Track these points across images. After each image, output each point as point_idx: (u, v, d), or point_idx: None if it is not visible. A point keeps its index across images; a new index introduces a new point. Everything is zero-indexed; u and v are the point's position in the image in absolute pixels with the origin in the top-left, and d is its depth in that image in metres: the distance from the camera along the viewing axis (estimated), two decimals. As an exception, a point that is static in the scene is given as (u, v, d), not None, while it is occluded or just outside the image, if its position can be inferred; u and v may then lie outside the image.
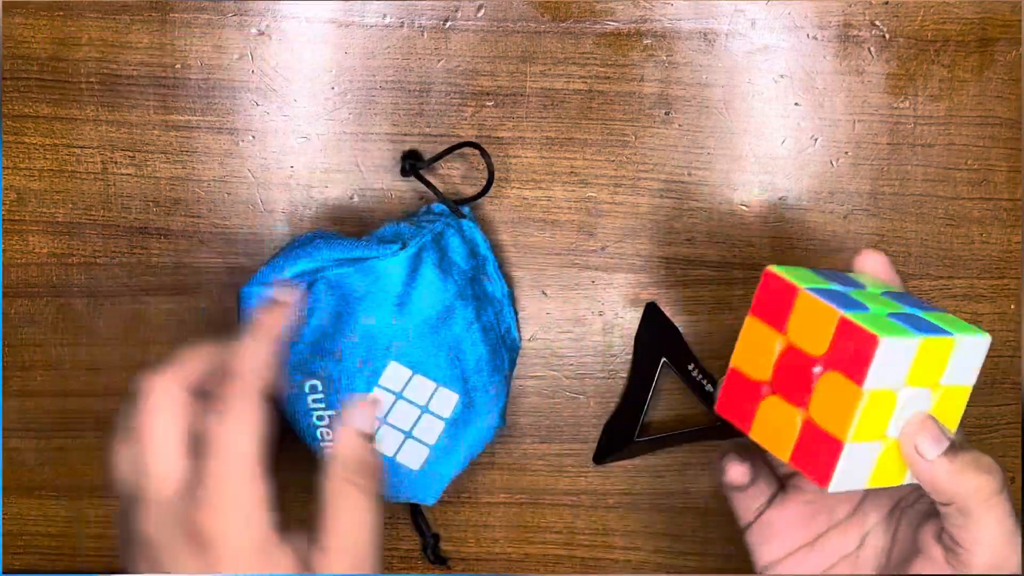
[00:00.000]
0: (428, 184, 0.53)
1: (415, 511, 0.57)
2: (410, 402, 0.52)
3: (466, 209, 0.53)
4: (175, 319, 0.56)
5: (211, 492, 0.39)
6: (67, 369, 0.57)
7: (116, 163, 0.55)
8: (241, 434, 0.40)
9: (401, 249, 0.50)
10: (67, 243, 0.56)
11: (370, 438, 0.43)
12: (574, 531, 0.58)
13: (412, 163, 0.54)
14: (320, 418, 0.52)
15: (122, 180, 0.55)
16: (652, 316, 0.55)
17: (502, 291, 0.54)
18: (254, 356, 0.42)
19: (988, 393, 0.57)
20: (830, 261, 0.56)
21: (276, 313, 0.44)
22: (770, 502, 0.46)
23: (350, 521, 0.41)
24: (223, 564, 0.39)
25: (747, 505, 0.47)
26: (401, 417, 0.52)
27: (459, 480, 0.57)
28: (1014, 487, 0.58)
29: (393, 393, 0.51)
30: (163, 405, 0.41)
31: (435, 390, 0.51)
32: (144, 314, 0.56)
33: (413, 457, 0.52)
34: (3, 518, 0.58)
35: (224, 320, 0.56)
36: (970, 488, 0.40)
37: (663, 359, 0.55)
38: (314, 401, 0.51)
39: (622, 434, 0.56)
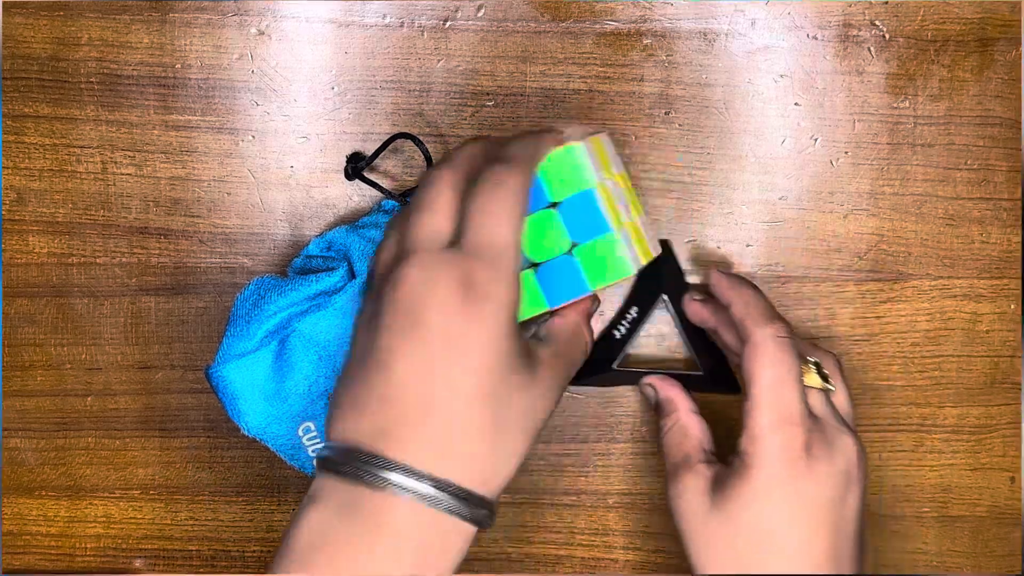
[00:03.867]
0: (373, 184, 0.53)
1: None
2: None
3: None
4: (175, 319, 0.56)
5: (481, 248, 0.41)
6: (67, 369, 0.57)
7: (116, 163, 0.55)
8: (511, 206, 0.41)
9: (352, 279, 0.50)
10: (67, 243, 0.56)
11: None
12: (574, 531, 0.58)
13: (354, 165, 0.54)
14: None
15: (122, 180, 0.55)
16: (665, 253, 0.55)
17: None
18: (523, 148, 0.43)
19: (988, 393, 0.57)
20: (830, 261, 0.56)
21: (544, 136, 0.45)
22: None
23: (572, 346, 0.46)
24: (482, 318, 0.40)
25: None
26: None
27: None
28: (1014, 487, 0.58)
29: None
30: (446, 184, 0.43)
31: None
32: (144, 314, 0.56)
33: None
34: (3, 518, 0.58)
35: (223, 319, 0.56)
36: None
37: (663, 296, 0.55)
38: (309, 439, 0.51)
39: (602, 359, 0.56)
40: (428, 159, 0.52)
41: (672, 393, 0.53)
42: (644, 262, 0.47)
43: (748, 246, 0.56)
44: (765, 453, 0.46)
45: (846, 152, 0.55)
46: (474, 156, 0.44)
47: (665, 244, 0.55)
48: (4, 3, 0.54)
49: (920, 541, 0.58)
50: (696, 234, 0.56)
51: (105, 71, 0.54)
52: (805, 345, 0.52)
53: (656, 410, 0.54)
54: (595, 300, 0.49)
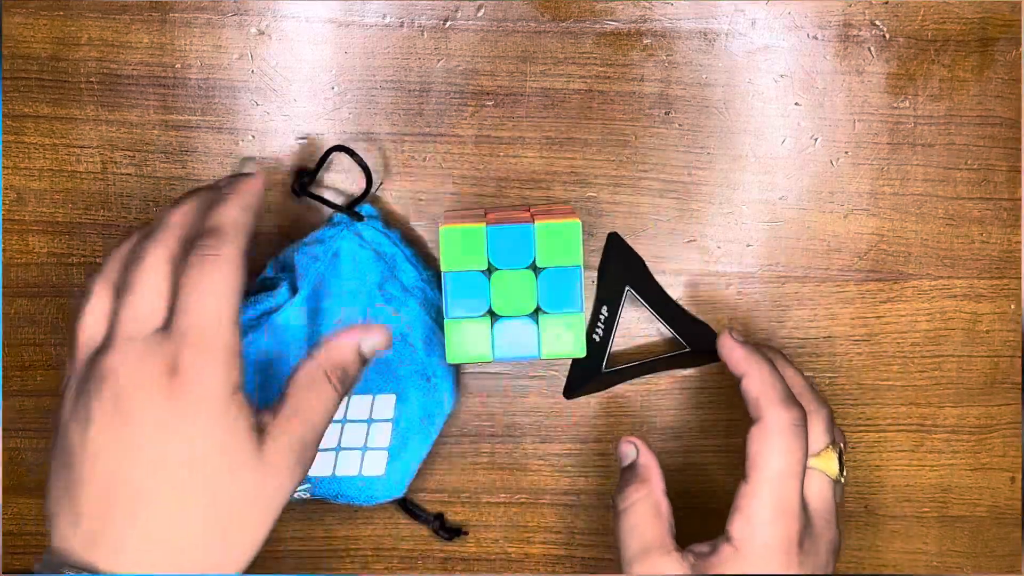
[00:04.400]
0: (319, 198, 0.53)
1: (405, 505, 0.57)
2: (354, 421, 0.53)
3: (369, 209, 0.53)
4: (175, 319, 0.56)
5: (190, 331, 0.39)
6: (67, 369, 0.57)
7: (116, 163, 0.55)
8: (222, 281, 0.40)
9: (294, 295, 0.51)
10: (67, 243, 0.56)
11: (364, 361, 0.45)
12: (574, 531, 0.58)
13: (302, 181, 0.53)
14: None
15: (122, 180, 0.55)
16: (615, 246, 0.55)
17: (419, 278, 0.53)
18: (235, 212, 0.42)
19: (988, 393, 0.57)
20: (830, 261, 0.56)
21: (251, 182, 0.44)
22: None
23: (311, 402, 0.42)
24: (191, 403, 0.39)
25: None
26: (352, 438, 0.53)
27: (459, 480, 0.57)
28: (1014, 487, 0.58)
29: (338, 422, 0.53)
30: (152, 264, 0.41)
31: (372, 400, 0.53)
32: (144, 314, 0.56)
33: (375, 465, 0.54)
34: (3, 518, 0.58)
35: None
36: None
37: (627, 288, 0.55)
38: None
39: (589, 367, 0.56)
40: (367, 173, 0.52)
41: (651, 461, 0.50)
42: (584, 353, 0.50)
43: (748, 246, 0.56)
44: (760, 544, 0.45)
45: (846, 152, 0.55)
46: (183, 224, 0.42)
47: (614, 236, 0.55)
48: (4, 3, 0.54)
49: (920, 541, 0.58)
50: (696, 234, 0.56)
51: (105, 71, 0.54)
52: (827, 419, 0.49)
53: (625, 474, 0.50)
54: (359, 362, 0.45)
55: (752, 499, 0.45)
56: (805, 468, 0.46)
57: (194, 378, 0.39)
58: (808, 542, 0.46)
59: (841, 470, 0.48)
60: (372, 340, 0.45)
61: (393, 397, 0.53)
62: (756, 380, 0.47)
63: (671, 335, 0.56)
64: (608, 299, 0.56)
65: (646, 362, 0.56)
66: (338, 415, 0.51)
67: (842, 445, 0.49)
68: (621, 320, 0.56)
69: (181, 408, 0.39)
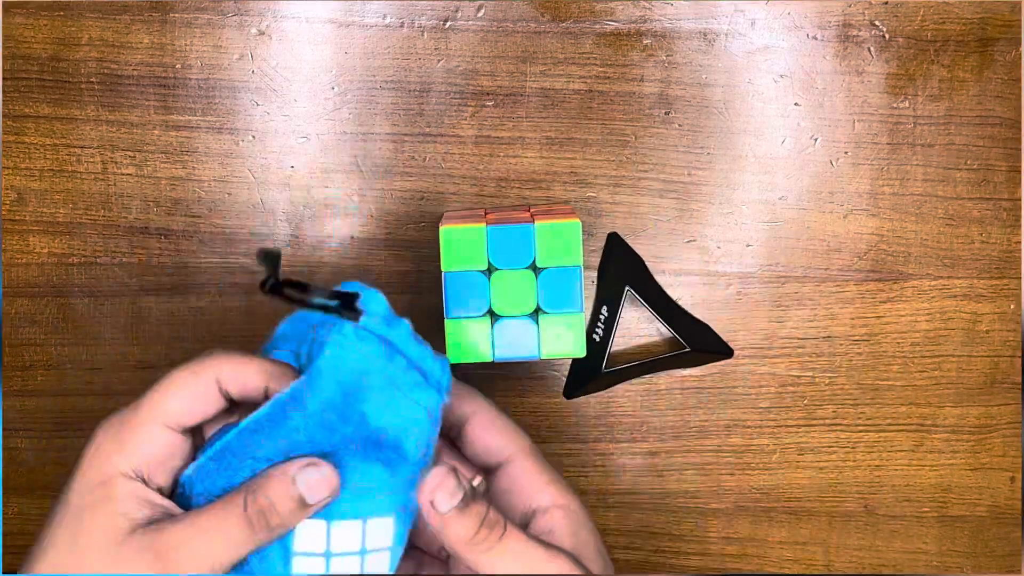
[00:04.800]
0: (293, 299, 0.40)
1: None
2: (343, 555, 0.42)
3: (373, 296, 0.42)
4: (175, 319, 0.56)
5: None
6: (67, 369, 0.57)
7: (116, 163, 0.55)
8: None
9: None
10: (67, 243, 0.56)
11: (303, 505, 0.40)
12: (574, 531, 0.58)
13: (272, 283, 0.40)
14: None
15: (122, 180, 0.55)
16: (615, 246, 0.55)
17: (434, 383, 0.43)
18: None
19: (988, 393, 0.57)
20: (830, 261, 0.56)
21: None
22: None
23: (209, 536, 0.39)
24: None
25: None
26: (345, 567, 0.42)
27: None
28: (1014, 487, 0.58)
29: (320, 555, 0.42)
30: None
31: (363, 526, 0.42)
32: (144, 314, 0.56)
33: None
34: (3, 518, 0.58)
35: (223, 319, 0.56)
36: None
37: (627, 288, 0.55)
38: None
39: (589, 367, 0.56)
40: (274, 279, 0.40)
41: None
42: (583, 353, 0.49)
43: (748, 246, 0.56)
44: None
45: (846, 152, 0.55)
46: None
47: (614, 236, 0.55)
48: (4, 3, 0.54)
49: (920, 541, 0.58)
50: (696, 234, 0.56)
51: (105, 71, 0.54)
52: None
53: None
54: (293, 507, 0.40)
55: None
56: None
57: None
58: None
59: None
60: (311, 481, 0.39)
61: (390, 520, 0.42)
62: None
63: (671, 335, 0.56)
64: (608, 299, 0.56)
65: (646, 362, 0.56)
66: (319, 548, 0.42)
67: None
68: (621, 320, 0.56)
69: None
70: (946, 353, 0.57)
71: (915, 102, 0.55)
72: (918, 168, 0.56)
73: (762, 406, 0.57)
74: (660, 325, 0.56)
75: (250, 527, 0.39)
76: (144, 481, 0.41)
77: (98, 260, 0.56)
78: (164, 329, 0.56)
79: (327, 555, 0.42)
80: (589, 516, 0.45)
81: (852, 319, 0.56)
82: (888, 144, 0.55)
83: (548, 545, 0.41)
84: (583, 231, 0.50)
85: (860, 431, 0.57)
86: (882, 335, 0.57)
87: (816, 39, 0.54)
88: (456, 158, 0.55)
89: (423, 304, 0.56)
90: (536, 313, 0.49)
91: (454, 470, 0.40)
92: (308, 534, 0.41)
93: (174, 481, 0.42)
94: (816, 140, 0.55)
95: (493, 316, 0.49)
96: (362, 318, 0.41)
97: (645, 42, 0.54)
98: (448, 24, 0.54)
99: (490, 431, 0.45)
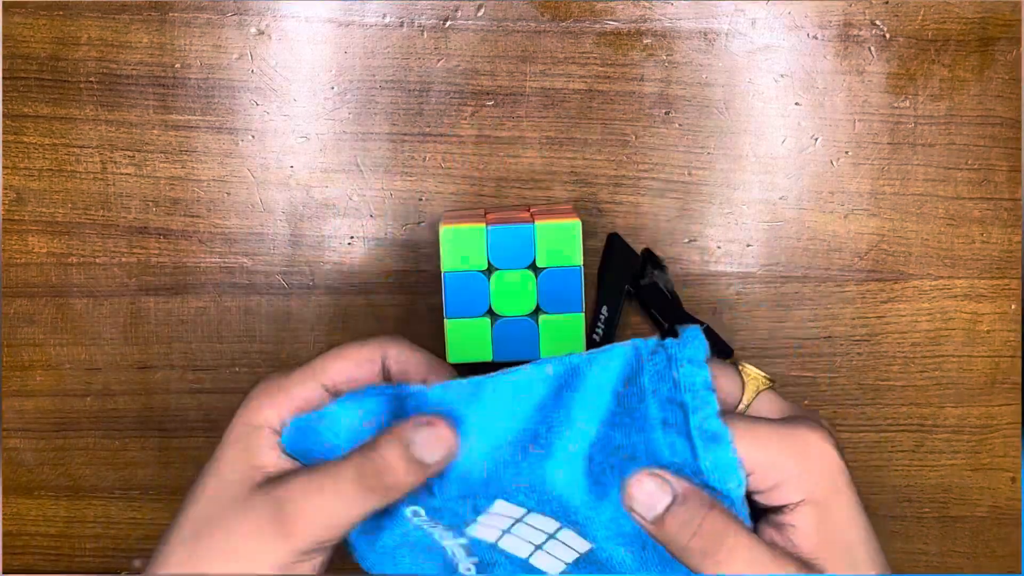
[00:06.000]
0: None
1: None
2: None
3: (695, 335, 0.39)
4: (175, 319, 0.56)
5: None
6: (67, 369, 0.57)
7: (116, 163, 0.55)
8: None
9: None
10: (67, 243, 0.56)
11: (421, 468, 0.38)
12: (574, 531, 0.58)
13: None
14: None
15: (122, 180, 0.55)
16: (615, 246, 0.55)
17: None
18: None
19: (988, 393, 0.57)
20: (830, 261, 0.56)
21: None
22: None
23: (324, 498, 0.39)
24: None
25: None
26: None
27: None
28: (1014, 487, 0.58)
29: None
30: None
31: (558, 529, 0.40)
32: (144, 314, 0.56)
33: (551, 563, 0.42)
34: (3, 518, 0.58)
35: (223, 319, 0.56)
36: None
37: (627, 288, 0.55)
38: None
39: None
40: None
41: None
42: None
43: (748, 246, 0.56)
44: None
45: (846, 152, 0.55)
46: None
47: (614, 237, 0.55)
48: (4, 3, 0.53)
49: (920, 541, 0.58)
50: (696, 234, 0.56)
51: (105, 71, 0.54)
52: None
53: None
54: (409, 471, 0.38)
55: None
56: None
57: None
58: None
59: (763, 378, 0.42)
60: (425, 440, 0.38)
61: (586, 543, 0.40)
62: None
63: (671, 334, 0.56)
64: (608, 299, 0.55)
65: None
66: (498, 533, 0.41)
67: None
68: (621, 320, 0.56)
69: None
70: (947, 353, 0.57)
71: (916, 102, 0.55)
72: (919, 168, 0.55)
73: (762, 406, 0.57)
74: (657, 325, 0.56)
75: (365, 486, 0.38)
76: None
77: (97, 260, 0.56)
78: (163, 329, 0.56)
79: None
80: (858, 513, 0.39)
81: (852, 319, 0.56)
82: (889, 144, 0.55)
83: (775, 550, 0.37)
84: (583, 231, 0.50)
85: (860, 431, 0.57)
86: (882, 335, 0.57)
87: (817, 39, 0.54)
88: (456, 158, 0.55)
89: (423, 304, 0.56)
90: (536, 313, 0.49)
91: (655, 472, 0.37)
92: (501, 516, 0.40)
93: None
94: (817, 140, 0.55)
95: (493, 316, 0.49)
96: (685, 348, 0.39)
97: (645, 42, 0.54)
98: (448, 24, 0.54)
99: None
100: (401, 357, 0.42)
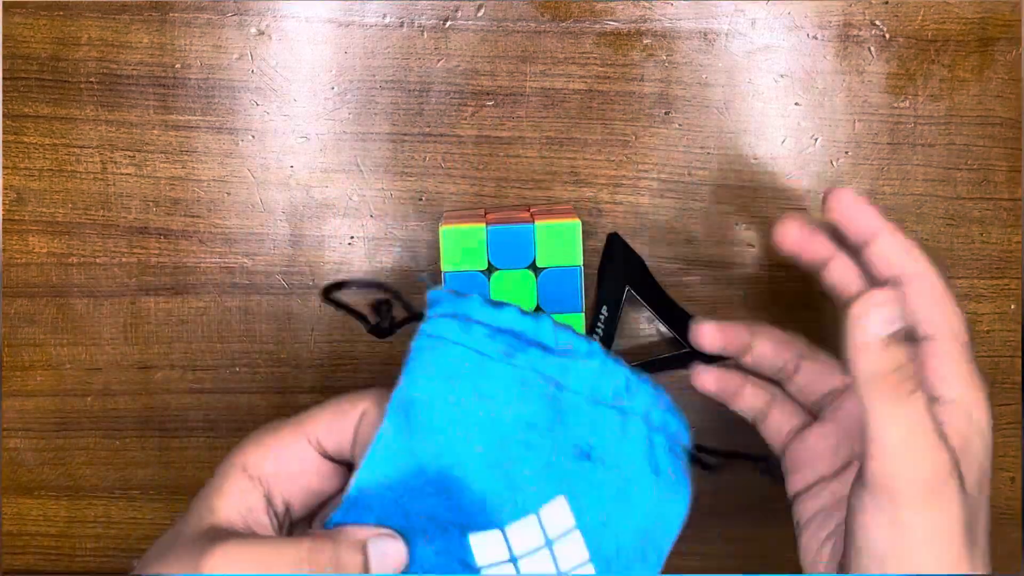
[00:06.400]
0: (344, 306, 0.43)
1: None
2: (530, 553, 0.40)
3: (435, 295, 0.41)
4: (175, 319, 0.56)
5: None
6: (67, 369, 0.57)
7: (116, 163, 0.55)
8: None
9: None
10: (67, 243, 0.56)
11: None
12: (574, 531, 0.58)
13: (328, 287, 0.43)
14: None
15: (122, 180, 0.55)
16: (615, 246, 0.55)
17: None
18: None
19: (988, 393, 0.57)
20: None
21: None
22: (797, 433, 0.47)
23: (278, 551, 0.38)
24: None
25: (771, 435, 0.49)
26: (537, 565, 0.40)
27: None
28: (1014, 487, 0.58)
29: (507, 562, 0.40)
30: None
31: (537, 518, 0.41)
32: (144, 314, 0.56)
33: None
34: (3, 518, 0.58)
35: (223, 319, 0.56)
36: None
37: (627, 288, 0.55)
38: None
39: None
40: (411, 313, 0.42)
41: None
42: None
43: (748, 246, 0.56)
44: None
45: (846, 152, 0.55)
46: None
47: (614, 237, 0.55)
48: (4, 3, 0.54)
49: (920, 541, 0.58)
50: (696, 234, 0.56)
51: (105, 71, 0.54)
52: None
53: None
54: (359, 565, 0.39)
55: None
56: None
57: None
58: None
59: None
60: (384, 550, 0.39)
61: (561, 499, 0.40)
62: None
63: (671, 335, 0.56)
64: (608, 299, 0.56)
65: (646, 362, 0.56)
66: (501, 556, 0.40)
67: None
68: (621, 320, 0.56)
69: None
70: (946, 353, 0.57)
71: (915, 102, 0.55)
72: (918, 168, 0.56)
73: (762, 406, 0.57)
74: (660, 325, 0.56)
75: (308, 562, 0.38)
76: (267, 495, 0.40)
77: (97, 260, 0.56)
78: (163, 329, 0.56)
79: (514, 560, 0.40)
80: (990, 440, 0.41)
81: (852, 319, 0.56)
82: (888, 144, 0.55)
83: (941, 432, 0.38)
84: (583, 231, 0.50)
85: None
86: (882, 335, 0.57)
87: (816, 39, 0.54)
88: (456, 158, 0.55)
89: (423, 304, 0.56)
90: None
91: (899, 300, 0.37)
92: (487, 548, 0.40)
93: (311, 511, 0.42)
94: (816, 140, 0.55)
95: None
96: (428, 315, 0.40)
97: (645, 42, 0.54)
98: (448, 24, 0.54)
99: (928, 301, 0.41)
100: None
